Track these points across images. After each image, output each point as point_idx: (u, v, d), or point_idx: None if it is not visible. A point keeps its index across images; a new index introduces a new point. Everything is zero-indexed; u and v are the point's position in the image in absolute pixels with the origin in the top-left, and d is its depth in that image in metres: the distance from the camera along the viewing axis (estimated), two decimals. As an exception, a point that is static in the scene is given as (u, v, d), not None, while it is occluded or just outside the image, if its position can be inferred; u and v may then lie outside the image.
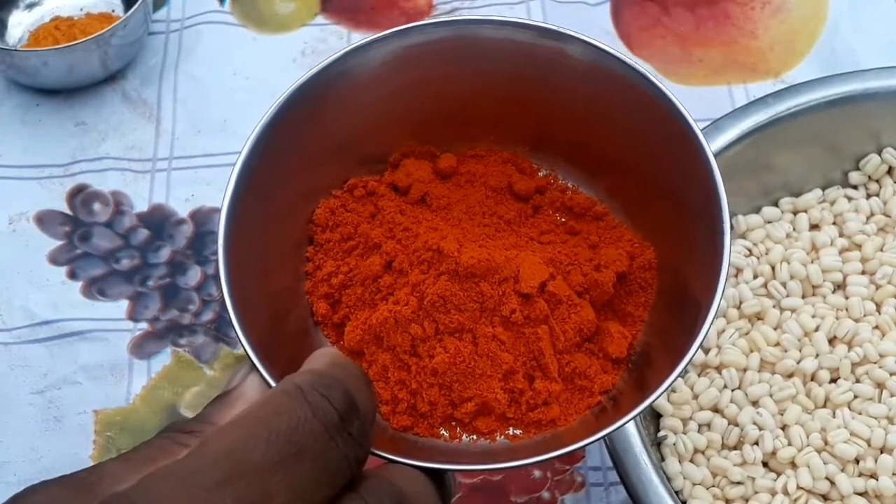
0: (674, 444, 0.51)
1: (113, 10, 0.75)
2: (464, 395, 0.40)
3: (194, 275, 0.65)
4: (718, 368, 0.53)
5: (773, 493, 0.49)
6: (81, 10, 0.75)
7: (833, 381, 0.52)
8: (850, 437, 0.50)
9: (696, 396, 0.52)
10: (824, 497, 0.50)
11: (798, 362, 0.52)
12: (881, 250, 0.56)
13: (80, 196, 0.68)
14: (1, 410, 0.61)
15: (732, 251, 0.55)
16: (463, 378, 0.40)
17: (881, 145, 0.58)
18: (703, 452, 0.51)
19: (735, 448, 0.51)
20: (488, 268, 0.41)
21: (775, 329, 0.54)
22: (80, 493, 0.31)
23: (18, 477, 0.59)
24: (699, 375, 0.53)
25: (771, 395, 0.52)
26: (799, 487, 0.49)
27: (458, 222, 0.44)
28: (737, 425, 0.51)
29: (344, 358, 0.35)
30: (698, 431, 0.51)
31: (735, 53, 0.73)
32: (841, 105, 0.56)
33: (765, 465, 0.51)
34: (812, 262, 0.55)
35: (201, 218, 0.67)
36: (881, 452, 0.50)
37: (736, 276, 0.56)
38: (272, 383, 0.37)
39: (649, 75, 0.43)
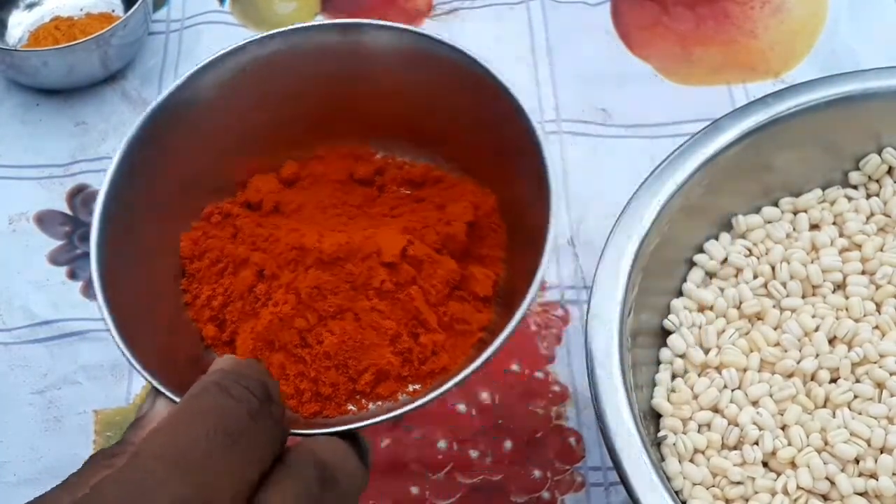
0: (674, 444, 0.51)
1: (113, 10, 0.75)
2: (359, 368, 0.44)
3: (194, 275, 0.65)
4: (718, 368, 0.53)
5: (773, 493, 0.49)
6: (81, 10, 0.75)
7: (833, 381, 0.52)
8: (850, 437, 0.50)
9: (696, 396, 0.52)
10: (824, 497, 0.50)
11: (798, 362, 0.52)
12: (881, 250, 0.56)
13: (80, 196, 0.68)
14: (1, 410, 0.61)
15: (733, 251, 0.56)
16: (355, 353, 0.44)
17: (881, 145, 0.58)
18: (702, 452, 0.51)
19: (735, 448, 0.51)
20: (350, 249, 0.44)
21: (775, 329, 0.54)
22: None
23: (18, 477, 0.59)
24: (699, 375, 0.53)
25: (771, 395, 0.52)
26: (799, 487, 0.49)
27: (312, 220, 0.48)
28: (737, 425, 0.51)
29: (243, 358, 0.39)
30: (698, 431, 0.51)
31: (735, 53, 0.73)
32: (841, 105, 0.56)
33: (765, 465, 0.51)
34: (812, 262, 0.55)
35: (201, 218, 0.67)
36: (881, 452, 0.50)
37: (736, 276, 0.56)
38: (178, 399, 0.40)
39: (451, 43, 0.47)
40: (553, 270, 0.64)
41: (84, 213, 0.68)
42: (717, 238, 0.57)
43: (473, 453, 0.59)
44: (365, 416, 0.42)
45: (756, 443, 0.50)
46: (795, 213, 0.58)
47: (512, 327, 0.41)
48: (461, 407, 0.60)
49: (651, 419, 0.52)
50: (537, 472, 0.59)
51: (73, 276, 0.66)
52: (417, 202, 0.49)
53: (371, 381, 0.44)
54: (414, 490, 0.58)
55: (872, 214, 0.57)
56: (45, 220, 0.68)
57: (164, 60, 0.74)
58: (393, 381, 0.44)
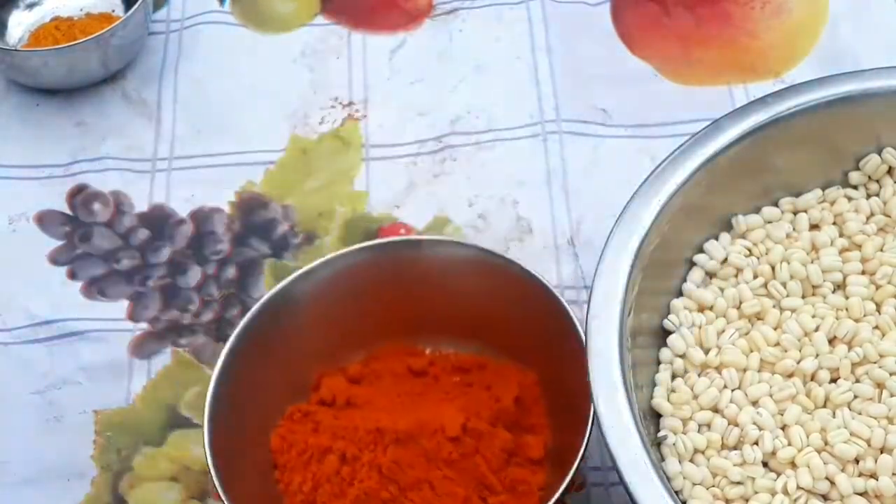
0: (674, 444, 0.51)
1: (113, 10, 0.75)
2: None
3: (194, 275, 0.65)
4: (718, 368, 0.53)
5: (773, 493, 0.49)
6: (81, 10, 0.75)
7: (833, 381, 0.52)
8: (850, 437, 0.50)
9: (696, 396, 0.52)
10: (824, 497, 0.50)
11: (798, 362, 0.52)
12: (881, 250, 0.56)
13: (80, 196, 0.68)
14: (1, 410, 0.61)
15: (733, 251, 0.56)
16: None
17: (881, 145, 0.58)
18: (702, 452, 0.51)
19: (735, 448, 0.51)
20: (421, 425, 0.53)
21: (775, 329, 0.54)
22: None
23: (18, 477, 0.59)
24: (699, 375, 0.53)
25: (771, 395, 0.52)
26: (799, 487, 0.49)
27: (382, 408, 0.56)
28: (737, 425, 0.51)
29: None
30: (698, 431, 0.51)
31: (735, 53, 0.73)
32: (841, 105, 0.56)
33: (765, 465, 0.51)
34: (812, 262, 0.55)
35: (201, 218, 0.67)
36: (881, 452, 0.50)
37: (736, 276, 0.56)
38: None
39: (503, 255, 0.58)
40: (553, 270, 0.64)
41: (84, 213, 0.68)
42: (717, 238, 0.57)
43: None
44: None
45: (756, 443, 0.50)
46: (795, 213, 0.58)
47: (567, 480, 0.50)
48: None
49: (651, 419, 0.52)
50: (537, 472, 0.58)
51: (73, 276, 0.66)
52: (467, 385, 0.58)
53: None
54: None
55: (872, 214, 0.57)
56: (45, 220, 0.68)
57: (164, 60, 0.74)
58: None
